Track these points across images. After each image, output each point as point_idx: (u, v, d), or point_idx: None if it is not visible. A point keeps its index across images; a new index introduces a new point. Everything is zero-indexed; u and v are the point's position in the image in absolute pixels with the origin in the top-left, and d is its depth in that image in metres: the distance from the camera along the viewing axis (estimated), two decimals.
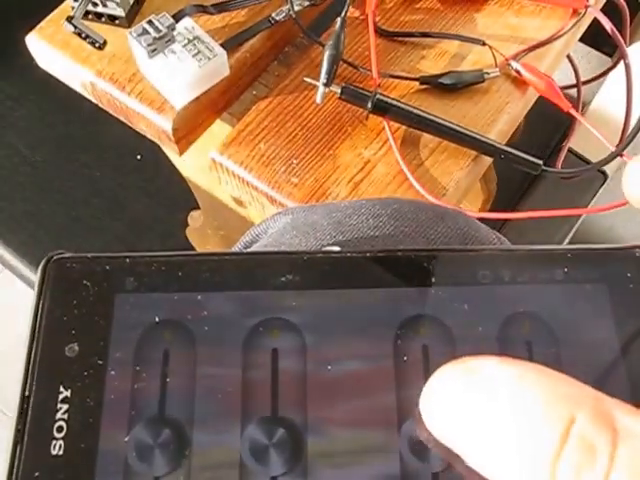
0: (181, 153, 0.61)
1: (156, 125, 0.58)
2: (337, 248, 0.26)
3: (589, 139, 0.62)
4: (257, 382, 0.22)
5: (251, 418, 0.21)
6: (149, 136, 0.61)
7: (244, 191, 0.58)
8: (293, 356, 0.22)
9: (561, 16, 0.64)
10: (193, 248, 1.02)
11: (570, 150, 0.72)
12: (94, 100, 0.62)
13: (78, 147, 1.06)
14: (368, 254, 0.24)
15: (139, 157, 1.03)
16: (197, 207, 0.95)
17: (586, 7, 0.63)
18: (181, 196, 0.89)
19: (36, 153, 1.05)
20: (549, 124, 1.00)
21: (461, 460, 0.19)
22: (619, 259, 0.23)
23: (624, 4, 0.66)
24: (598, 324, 0.22)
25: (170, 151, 0.62)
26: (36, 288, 0.23)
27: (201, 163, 0.72)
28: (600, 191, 1.03)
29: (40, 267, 0.23)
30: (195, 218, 1.00)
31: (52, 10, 0.62)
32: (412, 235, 0.39)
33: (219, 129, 0.63)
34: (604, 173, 1.01)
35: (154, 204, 1.04)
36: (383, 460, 0.21)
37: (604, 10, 0.66)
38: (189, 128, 0.59)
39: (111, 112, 0.62)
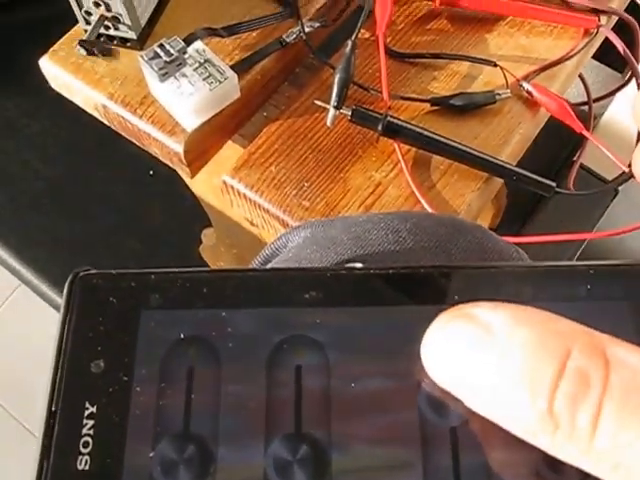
0: (193, 175, 0.61)
1: (168, 148, 0.58)
2: (360, 264, 0.26)
3: (600, 154, 0.62)
4: (281, 399, 0.22)
5: (275, 435, 0.21)
6: (161, 158, 0.61)
7: (256, 214, 0.58)
8: (317, 373, 0.22)
9: (572, 36, 0.64)
10: (207, 265, 1.02)
11: (581, 165, 0.72)
12: (106, 122, 0.62)
13: (93, 163, 1.06)
14: (391, 271, 0.24)
15: (151, 173, 1.04)
16: (211, 223, 0.96)
17: (598, 27, 0.63)
18: (195, 211, 0.89)
19: (51, 169, 1.05)
20: (558, 136, 1.00)
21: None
22: None
23: (635, 23, 0.65)
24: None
25: (182, 173, 0.62)
26: (62, 304, 0.23)
27: (213, 184, 0.72)
28: (611, 205, 1.03)
29: (66, 283, 0.23)
30: (208, 236, 1.00)
31: (66, 26, 0.63)
32: (432, 249, 0.39)
33: (230, 150, 0.63)
34: (615, 188, 1.01)
35: (168, 219, 1.04)
36: (407, 477, 0.21)
37: (615, 28, 0.66)
38: (200, 151, 0.60)
39: (123, 134, 0.62)
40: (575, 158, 0.73)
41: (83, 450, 0.21)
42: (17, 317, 1.40)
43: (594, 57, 0.69)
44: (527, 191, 0.59)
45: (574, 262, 0.24)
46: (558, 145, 1.07)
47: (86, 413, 0.21)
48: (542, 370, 0.19)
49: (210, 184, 0.74)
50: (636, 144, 0.69)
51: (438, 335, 0.21)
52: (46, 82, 0.65)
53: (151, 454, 0.21)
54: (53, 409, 0.21)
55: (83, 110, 0.64)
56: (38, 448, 0.21)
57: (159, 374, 0.22)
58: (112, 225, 1.04)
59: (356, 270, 0.24)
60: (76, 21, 0.61)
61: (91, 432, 0.21)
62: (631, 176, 0.61)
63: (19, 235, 1.01)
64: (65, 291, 0.23)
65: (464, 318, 0.20)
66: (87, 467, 0.20)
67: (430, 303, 0.23)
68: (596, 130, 1.06)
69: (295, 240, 0.44)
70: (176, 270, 0.24)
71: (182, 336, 0.22)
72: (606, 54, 0.67)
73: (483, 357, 0.19)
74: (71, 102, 0.64)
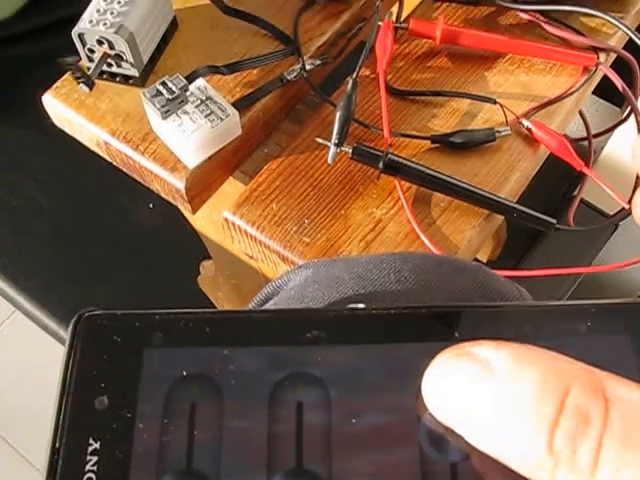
0: (194, 211, 0.61)
1: (169, 184, 0.59)
2: (362, 305, 0.26)
3: (600, 188, 0.62)
4: (283, 435, 0.22)
5: (277, 471, 0.21)
6: (162, 195, 0.61)
7: (256, 250, 0.58)
8: (318, 410, 0.22)
9: (571, 73, 0.64)
10: (205, 295, 1.02)
11: (580, 199, 0.72)
12: (108, 159, 0.63)
13: (93, 196, 1.07)
14: (392, 311, 0.24)
15: (151, 205, 1.04)
16: (210, 255, 0.96)
17: (597, 64, 0.64)
18: (194, 243, 0.89)
19: (52, 202, 1.06)
20: (558, 170, 1.01)
21: None
22: None
23: (634, 60, 0.66)
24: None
25: (184, 209, 0.63)
26: (67, 343, 0.23)
27: (213, 219, 0.72)
28: (611, 238, 1.03)
29: (71, 322, 0.23)
30: (207, 268, 1.00)
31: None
32: (434, 289, 0.39)
33: (231, 186, 0.64)
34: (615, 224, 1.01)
35: (167, 251, 1.04)
36: None
37: (613, 65, 0.66)
38: (202, 187, 0.60)
39: (125, 171, 0.62)
40: (575, 193, 0.73)
41: None
42: (13, 343, 1.41)
43: (593, 92, 0.69)
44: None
45: (575, 301, 0.24)
46: (558, 179, 1.07)
47: (90, 449, 0.21)
48: (541, 408, 0.19)
49: (210, 219, 0.74)
50: (634, 186, 0.69)
51: (439, 372, 0.21)
52: (48, 116, 0.65)
53: None
54: (57, 445, 0.21)
55: (85, 145, 0.64)
56: None
57: (162, 411, 0.22)
58: (111, 256, 1.04)
59: (359, 310, 0.25)
60: (78, 57, 0.62)
61: (94, 468, 0.21)
62: (630, 213, 0.61)
63: (20, 267, 1.02)
64: (70, 329, 0.23)
65: (465, 356, 0.21)
66: None
67: (431, 341, 0.23)
68: (595, 164, 1.06)
69: (297, 279, 0.44)
70: (179, 311, 0.24)
71: (185, 374, 0.23)
72: (605, 88, 0.67)
73: (483, 394, 0.20)
74: (73, 136, 0.65)
